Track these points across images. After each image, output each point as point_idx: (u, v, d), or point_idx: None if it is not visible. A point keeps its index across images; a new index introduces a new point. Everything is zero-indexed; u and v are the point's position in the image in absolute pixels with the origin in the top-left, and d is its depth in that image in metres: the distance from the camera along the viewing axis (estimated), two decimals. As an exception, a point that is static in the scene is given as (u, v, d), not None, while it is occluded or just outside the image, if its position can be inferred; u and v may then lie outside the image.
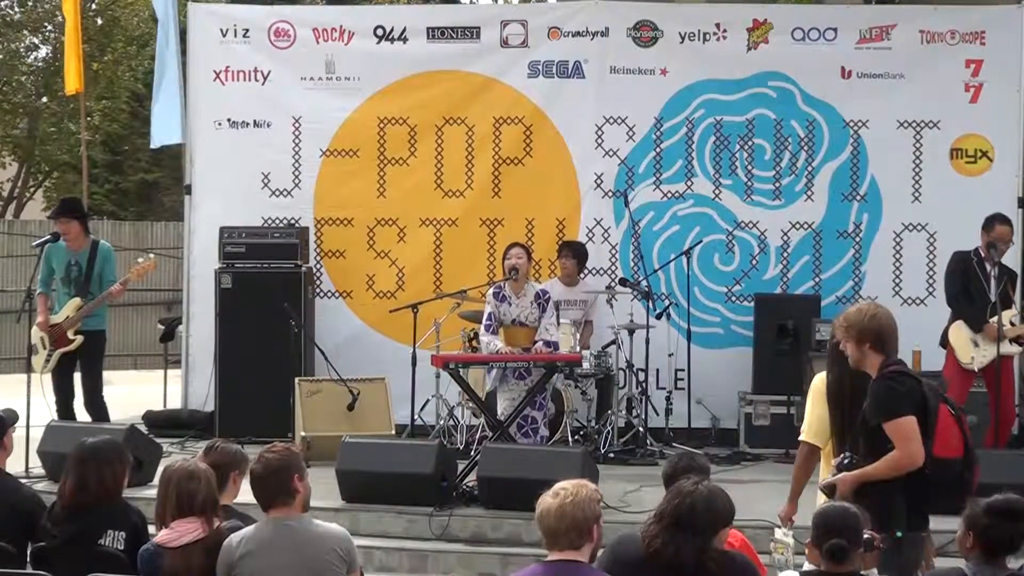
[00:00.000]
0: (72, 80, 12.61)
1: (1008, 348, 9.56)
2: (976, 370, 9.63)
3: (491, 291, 9.79)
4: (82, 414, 10.20)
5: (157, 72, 12.41)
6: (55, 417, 9.93)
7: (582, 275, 11.26)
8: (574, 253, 11.09)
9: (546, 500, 4.63)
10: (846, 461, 5.70)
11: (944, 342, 9.79)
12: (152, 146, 13.27)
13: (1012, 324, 9.60)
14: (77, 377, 10.19)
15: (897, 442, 5.56)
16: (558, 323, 9.77)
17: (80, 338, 9.93)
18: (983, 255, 9.66)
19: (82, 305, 9.95)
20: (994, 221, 9.74)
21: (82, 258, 10.03)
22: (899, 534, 5.47)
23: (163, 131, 12.29)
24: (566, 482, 4.73)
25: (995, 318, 9.47)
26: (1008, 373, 9.72)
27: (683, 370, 11.24)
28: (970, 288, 9.67)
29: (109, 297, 9.98)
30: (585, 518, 4.61)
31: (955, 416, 5.67)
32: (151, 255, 10.80)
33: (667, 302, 11.35)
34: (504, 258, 9.93)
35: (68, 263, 10.04)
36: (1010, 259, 10.44)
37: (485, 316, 9.78)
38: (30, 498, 6.19)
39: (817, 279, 11.59)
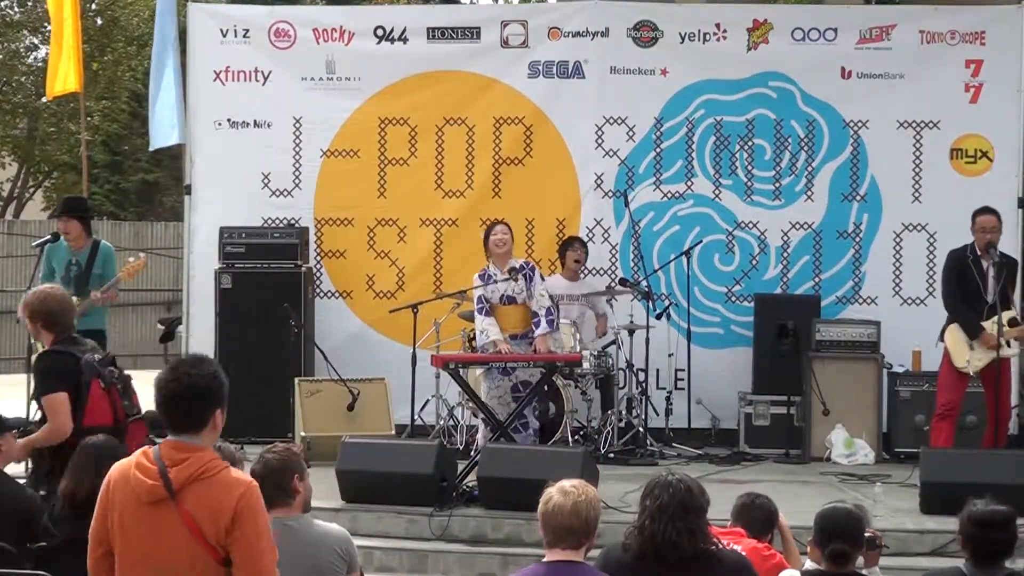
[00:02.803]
0: (59, 82, 12.56)
1: (1005, 351, 9.49)
2: (971, 374, 9.54)
3: (476, 276, 9.88)
4: None
5: (154, 73, 12.38)
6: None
7: (583, 274, 11.29)
8: (583, 244, 11.15)
9: (555, 498, 4.62)
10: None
11: (942, 337, 9.74)
12: (151, 148, 13.25)
13: (1012, 324, 9.48)
14: None
15: (49, 416, 6.48)
16: (558, 323, 9.80)
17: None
18: (979, 252, 9.59)
19: (79, 304, 9.95)
20: (975, 215, 9.61)
21: (82, 258, 10.03)
22: None
23: (160, 132, 12.25)
24: (568, 481, 4.73)
25: (992, 320, 9.40)
26: (1006, 375, 9.68)
27: (683, 370, 11.24)
28: (965, 289, 9.55)
29: (97, 302, 9.93)
30: (596, 517, 4.64)
31: (106, 389, 6.54)
32: (141, 254, 10.79)
33: (667, 302, 11.35)
34: (489, 234, 9.96)
35: (68, 262, 10.05)
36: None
37: (476, 300, 9.83)
38: (30, 499, 6.18)
39: (817, 279, 11.58)
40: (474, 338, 10.24)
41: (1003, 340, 9.35)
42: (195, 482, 4.12)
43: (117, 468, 4.25)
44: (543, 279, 10.13)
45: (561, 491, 4.63)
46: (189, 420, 4.31)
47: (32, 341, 10.03)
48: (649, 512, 4.76)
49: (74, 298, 9.97)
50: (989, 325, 9.38)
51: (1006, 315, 9.43)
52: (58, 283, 10.06)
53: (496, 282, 9.87)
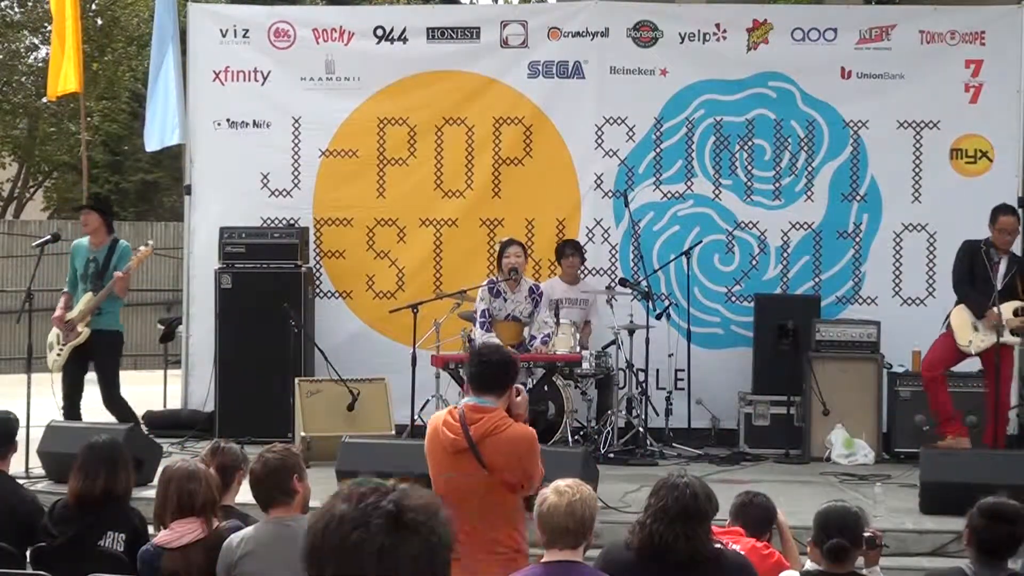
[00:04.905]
0: (59, 82, 12.54)
1: (1007, 338, 9.58)
2: (972, 353, 9.66)
3: (485, 286, 9.87)
4: (90, 415, 10.23)
5: (151, 75, 12.41)
6: (62, 415, 9.96)
7: (582, 274, 11.29)
8: (578, 250, 11.15)
9: (550, 499, 4.63)
10: None
11: (947, 320, 9.85)
12: (147, 149, 13.27)
13: (1016, 314, 9.59)
14: (87, 377, 10.25)
15: None
16: (558, 322, 9.80)
17: (87, 331, 9.98)
18: (994, 246, 9.70)
19: (93, 299, 10.01)
20: (997, 212, 9.80)
21: (100, 255, 10.14)
22: None
23: (159, 133, 12.25)
24: (564, 480, 4.74)
25: (1004, 305, 9.53)
26: (1008, 362, 9.74)
27: (683, 370, 11.23)
28: (975, 275, 9.70)
29: (114, 287, 9.99)
30: (592, 516, 4.65)
31: None
32: (150, 242, 10.85)
33: (667, 302, 11.34)
34: (501, 255, 9.98)
35: (87, 260, 10.14)
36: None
37: (479, 313, 9.83)
38: (29, 500, 6.19)
39: (817, 279, 11.58)
40: (474, 339, 10.23)
41: (1005, 326, 9.47)
42: (489, 436, 5.37)
43: (431, 424, 5.62)
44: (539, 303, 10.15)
45: (556, 491, 4.64)
46: (495, 385, 5.52)
47: (49, 340, 10.10)
48: (652, 512, 4.77)
49: (88, 294, 10.04)
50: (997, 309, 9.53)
51: (1011, 304, 9.53)
52: (79, 281, 10.17)
53: (505, 300, 9.89)
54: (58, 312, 10.13)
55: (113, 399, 10.11)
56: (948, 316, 9.86)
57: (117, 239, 10.31)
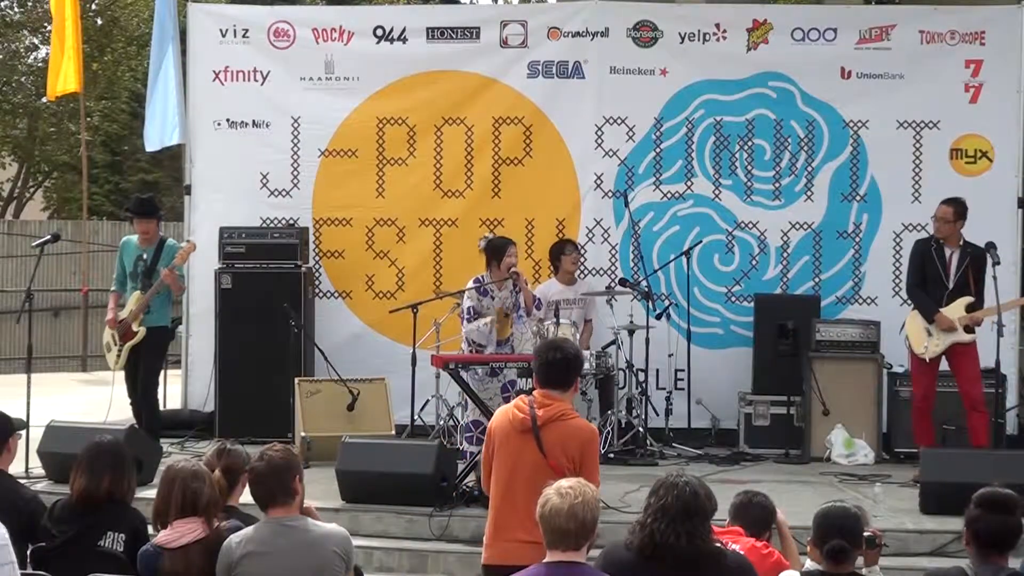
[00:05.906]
0: (59, 82, 12.55)
1: (961, 337, 9.55)
2: (928, 360, 9.63)
3: (472, 285, 9.66)
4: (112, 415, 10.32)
5: (151, 75, 12.42)
6: (134, 420, 10.07)
7: (580, 275, 11.29)
8: (576, 247, 11.13)
9: (552, 500, 4.62)
10: None
11: (902, 331, 9.87)
12: (147, 149, 13.28)
13: (968, 310, 9.54)
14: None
15: None
16: (557, 323, 9.78)
17: (143, 330, 10.04)
18: (942, 240, 9.70)
19: (141, 297, 10.06)
20: (939, 204, 9.81)
21: (149, 253, 10.20)
22: None
23: (159, 133, 12.26)
24: (566, 481, 4.72)
25: (953, 304, 9.53)
26: (971, 360, 9.62)
27: (683, 370, 11.24)
28: (927, 276, 9.69)
29: (161, 286, 10.02)
30: (593, 519, 4.63)
31: None
32: (191, 238, 10.88)
33: (667, 302, 11.35)
34: (500, 254, 9.79)
35: (137, 258, 10.20)
36: (1009, 258, 10.46)
37: (464, 309, 9.66)
38: (30, 499, 6.18)
39: (817, 279, 11.59)
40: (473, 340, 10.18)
41: (959, 325, 9.48)
42: (554, 422, 5.78)
43: (500, 411, 6.09)
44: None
45: (558, 493, 4.63)
46: (560, 379, 5.89)
47: (105, 340, 10.17)
48: (652, 511, 4.77)
49: (137, 292, 10.08)
50: (949, 310, 9.51)
51: (963, 301, 9.51)
52: (128, 279, 10.21)
53: (493, 298, 9.80)
54: (110, 315, 10.21)
55: (148, 396, 10.20)
56: (904, 324, 9.86)
57: (164, 238, 10.37)
